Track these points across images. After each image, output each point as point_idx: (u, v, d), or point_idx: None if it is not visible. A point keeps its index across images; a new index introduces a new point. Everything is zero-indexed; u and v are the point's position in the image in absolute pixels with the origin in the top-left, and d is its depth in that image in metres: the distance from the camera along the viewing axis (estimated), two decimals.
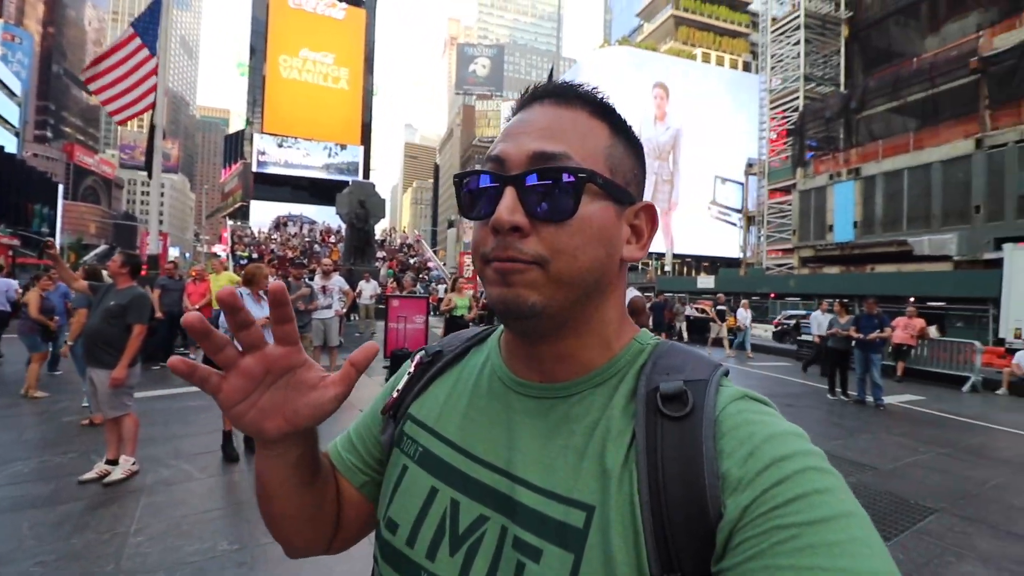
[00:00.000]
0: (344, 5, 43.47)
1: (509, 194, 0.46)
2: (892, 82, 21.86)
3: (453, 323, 7.35)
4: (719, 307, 14.02)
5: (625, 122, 0.53)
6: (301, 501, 0.55)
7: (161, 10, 8.45)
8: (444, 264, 39.06)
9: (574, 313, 0.49)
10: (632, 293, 4.06)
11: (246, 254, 24.36)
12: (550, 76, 13.96)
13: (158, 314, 7.50)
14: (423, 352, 0.66)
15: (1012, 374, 9.03)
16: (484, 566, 0.46)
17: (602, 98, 0.52)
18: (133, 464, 3.59)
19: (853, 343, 7.31)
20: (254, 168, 39.89)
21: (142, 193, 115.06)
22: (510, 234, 0.46)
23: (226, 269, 8.43)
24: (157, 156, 9.10)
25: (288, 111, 40.94)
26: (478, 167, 0.52)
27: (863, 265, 22.93)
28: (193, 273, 8.32)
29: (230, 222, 34.05)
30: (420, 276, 23.53)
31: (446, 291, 21.00)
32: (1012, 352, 9.49)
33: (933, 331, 10.61)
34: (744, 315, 13.20)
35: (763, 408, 0.45)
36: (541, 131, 0.49)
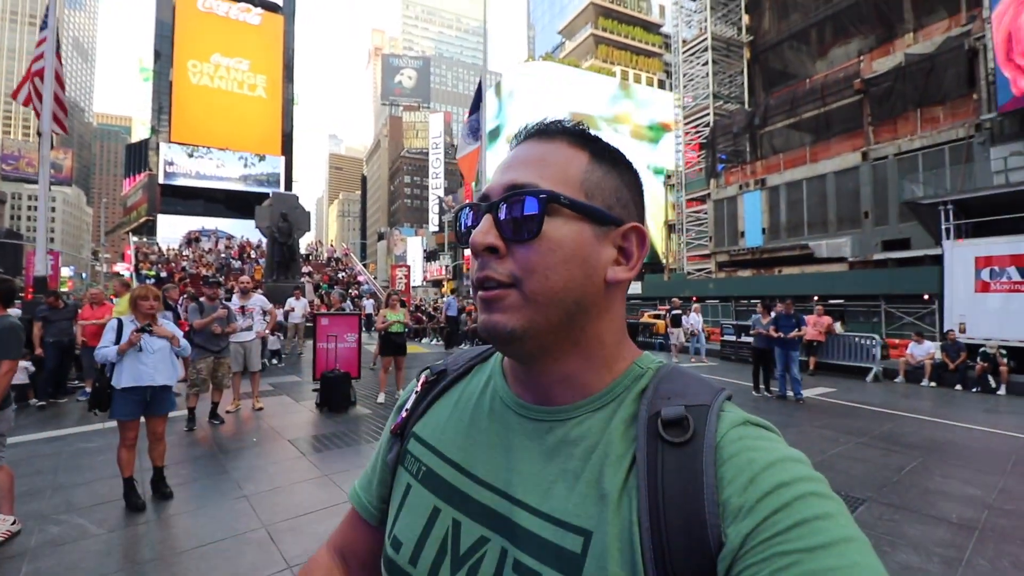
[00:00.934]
0: (260, 10, 41.40)
1: (486, 220, 0.51)
2: (789, 101, 23.86)
3: (389, 341, 7.02)
4: (674, 311, 12.86)
5: (608, 148, 0.55)
6: None
7: (49, 8, 7.64)
8: (375, 278, 37.92)
9: (559, 335, 0.49)
10: None
11: (153, 273, 22.32)
12: (479, 89, 13.98)
13: (37, 350, 6.66)
14: (428, 371, 0.68)
15: (907, 363, 10.03)
16: None
17: (582, 129, 0.55)
18: (13, 524, 3.06)
19: (774, 342, 7.79)
20: (161, 180, 36.76)
21: (29, 208, 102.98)
22: (485, 254, 0.50)
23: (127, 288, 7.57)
24: (44, 167, 8.15)
25: (199, 119, 38.20)
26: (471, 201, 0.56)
27: (772, 268, 24.73)
28: (90, 296, 7.42)
29: (134, 238, 31.08)
30: (350, 291, 22.63)
31: (375, 307, 20.34)
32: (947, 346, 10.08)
33: (839, 327, 11.58)
34: (696, 319, 12.46)
35: (764, 434, 0.45)
36: (520, 164, 0.52)
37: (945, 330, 10.81)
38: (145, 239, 31.71)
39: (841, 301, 18.93)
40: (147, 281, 20.34)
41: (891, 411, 7.17)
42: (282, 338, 11.28)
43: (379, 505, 0.65)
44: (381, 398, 6.99)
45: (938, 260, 15.65)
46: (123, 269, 29.86)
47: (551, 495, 0.47)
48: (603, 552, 0.42)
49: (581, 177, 0.51)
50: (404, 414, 0.65)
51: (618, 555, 0.41)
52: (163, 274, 22.31)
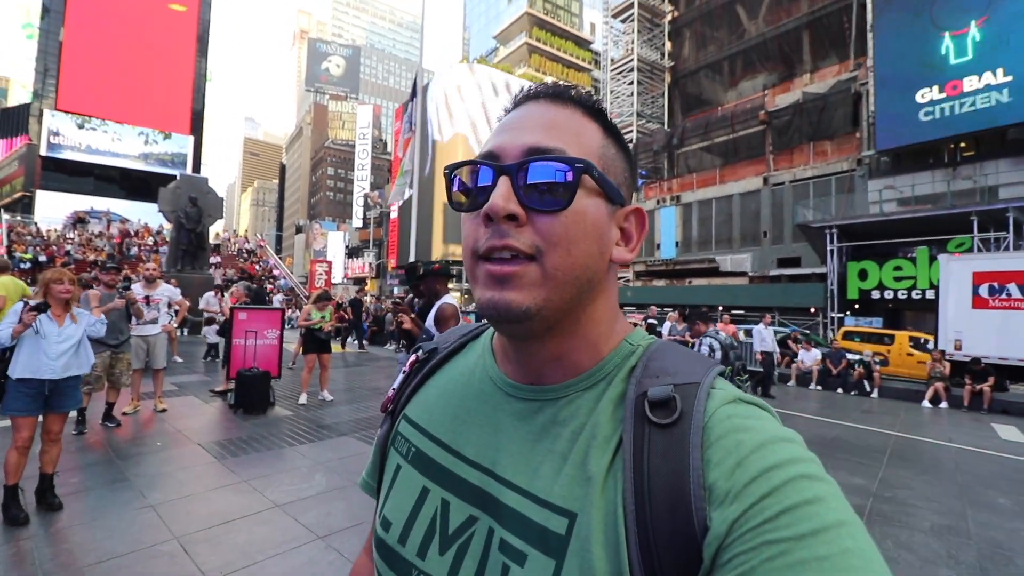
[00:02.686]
0: None
1: (504, 183, 0.46)
2: (703, 125, 25.73)
3: (313, 338, 6.73)
4: (650, 320, 11.72)
5: (615, 126, 0.53)
6: None
7: None
8: (292, 272, 35.93)
9: (566, 313, 0.48)
10: (445, 300, 3.80)
11: (29, 256, 19.66)
12: (415, 84, 13.79)
13: None
14: (420, 350, 0.66)
15: (798, 369, 11.15)
16: (472, 566, 0.47)
17: (595, 101, 0.53)
18: None
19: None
20: (43, 151, 32.48)
21: None
22: (505, 222, 0.46)
23: (7, 271, 6.61)
24: None
25: (94, 87, 34.24)
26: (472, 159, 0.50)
27: (683, 279, 26.46)
28: None
29: (6, 216, 27.11)
30: (262, 284, 21.25)
31: (283, 303, 19.13)
32: (950, 363, 9.84)
33: (742, 335, 12.61)
34: (669, 328, 11.02)
35: (755, 412, 0.44)
36: (536, 126, 0.49)
37: (939, 347, 10.35)
38: (20, 217, 27.82)
39: (742, 311, 20.67)
40: (21, 265, 17.87)
41: (785, 411, 7.96)
42: (217, 330, 10.26)
43: (374, 488, 0.64)
44: (303, 399, 6.64)
45: (823, 278, 17.62)
46: None
47: (538, 476, 0.46)
48: (588, 534, 0.41)
49: (599, 152, 0.49)
50: (391, 393, 0.64)
51: (602, 537, 0.41)
52: (42, 258, 19.72)
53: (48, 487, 3.28)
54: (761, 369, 9.75)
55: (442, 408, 0.57)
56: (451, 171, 0.51)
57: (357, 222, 62.51)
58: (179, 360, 9.66)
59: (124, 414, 5.53)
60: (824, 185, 20.66)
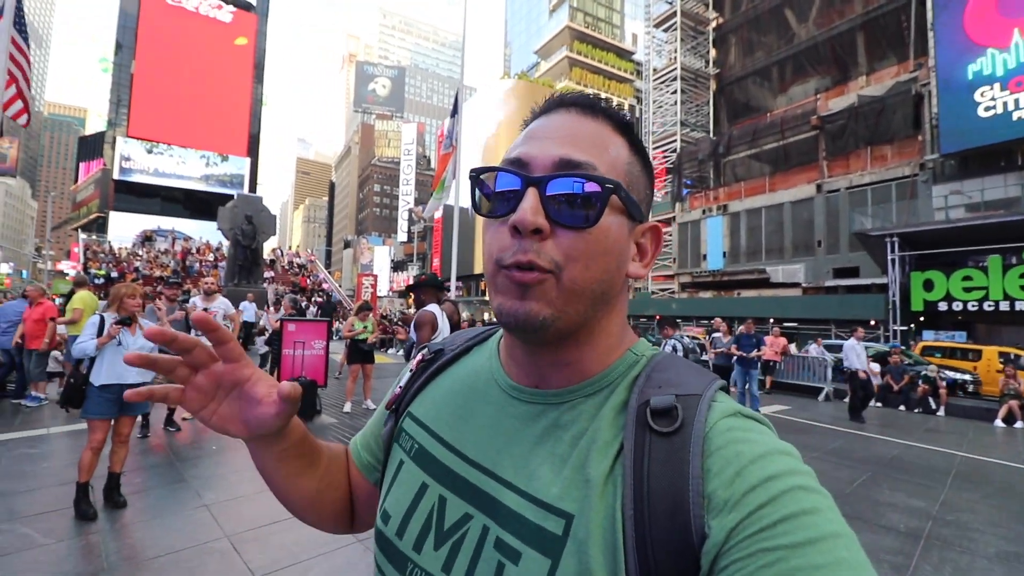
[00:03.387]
0: (232, 8, 40.65)
1: (532, 195, 0.46)
2: (751, 132, 25.00)
3: (356, 348, 6.96)
4: (714, 334, 10.57)
5: (641, 142, 0.54)
6: (296, 489, 0.61)
7: None
8: (340, 286, 37.20)
9: (579, 325, 0.49)
10: (425, 308, 3.97)
11: (102, 272, 21.25)
12: (456, 100, 14.10)
13: None
14: (425, 350, 0.67)
15: None
16: (465, 562, 0.47)
17: (623, 115, 0.53)
18: None
19: (734, 359, 8.07)
20: (116, 175, 35.25)
21: None
22: (531, 236, 0.46)
23: (85, 285, 7.17)
24: None
25: (161, 115, 36.97)
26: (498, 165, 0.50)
27: (731, 290, 25.62)
28: (28, 294, 6.88)
29: (83, 236, 29.55)
30: (313, 299, 22.09)
31: (319, 314, 19.69)
32: None
33: (793, 348, 12.08)
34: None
35: (754, 426, 0.44)
36: (566, 138, 0.49)
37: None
38: (95, 236, 30.21)
39: (795, 324, 19.77)
40: (95, 280, 19.34)
41: (841, 428, 7.53)
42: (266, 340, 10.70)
43: (375, 465, 0.66)
44: (347, 407, 6.84)
45: (883, 288, 16.64)
46: (68, 267, 28.34)
47: (536, 477, 0.47)
48: (585, 536, 0.41)
49: (626, 168, 0.50)
50: (398, 391, 0.65)
51: (600, 540, 0.41)
52: (114, 274, 21.29)
53: (115, 486, 3.52)
54: (849, 385, 8.61)
55: (447, 407, 0.58)
56: (476, 175, 0.51)
57: (402, 236, 64.24)
58: None
59: (184, 419, 5.87)
60: (883, 191, 19.61)
